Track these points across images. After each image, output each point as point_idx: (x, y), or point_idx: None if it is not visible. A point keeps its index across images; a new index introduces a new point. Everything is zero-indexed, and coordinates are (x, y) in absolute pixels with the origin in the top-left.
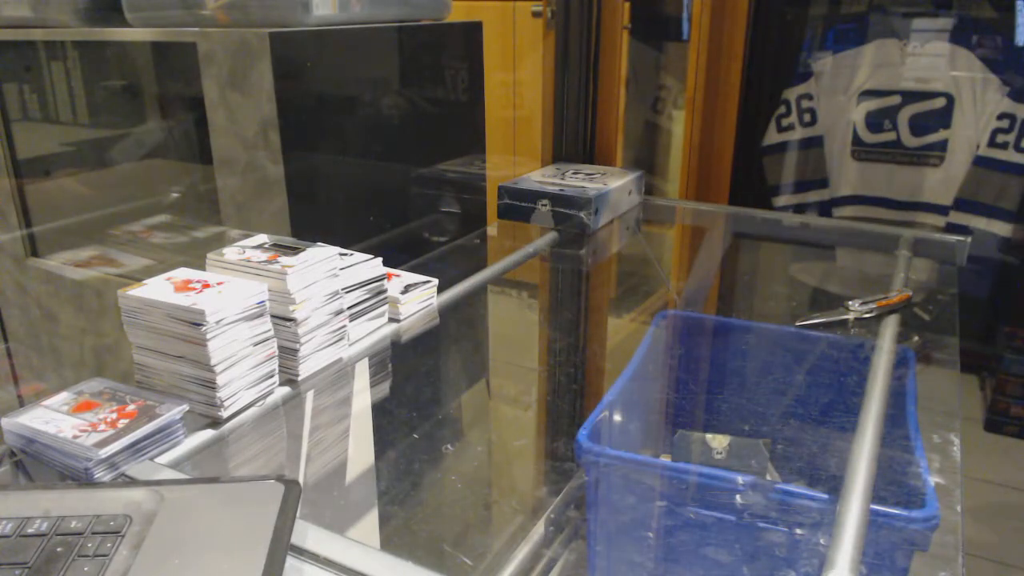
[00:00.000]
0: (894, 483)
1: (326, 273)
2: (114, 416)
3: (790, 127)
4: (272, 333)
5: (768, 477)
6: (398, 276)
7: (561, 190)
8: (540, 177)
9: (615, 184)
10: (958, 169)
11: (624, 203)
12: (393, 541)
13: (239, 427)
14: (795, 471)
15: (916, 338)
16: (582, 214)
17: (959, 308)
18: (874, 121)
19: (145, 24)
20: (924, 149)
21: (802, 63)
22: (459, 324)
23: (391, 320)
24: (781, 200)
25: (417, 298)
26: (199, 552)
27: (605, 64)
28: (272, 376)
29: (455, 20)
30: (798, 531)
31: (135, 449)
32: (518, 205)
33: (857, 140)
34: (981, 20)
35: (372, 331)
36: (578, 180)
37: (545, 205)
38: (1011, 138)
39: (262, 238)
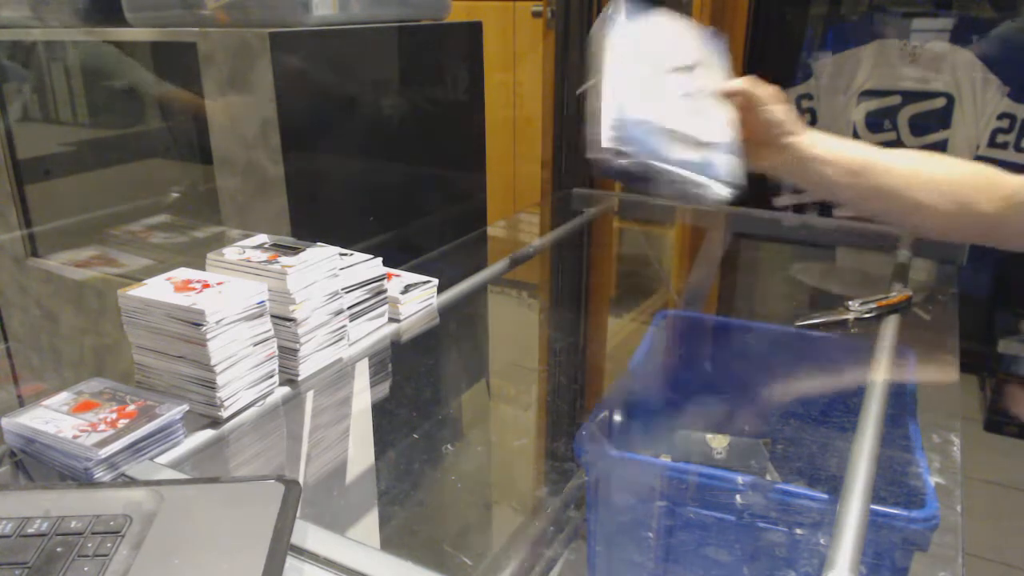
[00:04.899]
0: (894, 483)
1: (326, 273)
2: (114, 416)
3: None
4: (272, 333)
5: (768, 477)
6: (398, 276)
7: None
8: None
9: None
10: None
11: None
12: (393, 541)
13: (239, 427)
14: (795, 471)
15: (916, 338)
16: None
17: (959, 308)
18: (874, 121)
19: (145, 24)
20: (924, 149)
21: (802, 63)
22: (459, 324)
23: (391, 320)
24: (781, 200)
25: (417, 298)
26: (199, 552)
27: None
28: (272, 376)
29: (455, 20)
30: (798, 531)
31: (135, 449)
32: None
33: (857, 140)
34: (981, 20)
35: (372, 331)
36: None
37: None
38: (1011, 138)
39: (262, 238)
